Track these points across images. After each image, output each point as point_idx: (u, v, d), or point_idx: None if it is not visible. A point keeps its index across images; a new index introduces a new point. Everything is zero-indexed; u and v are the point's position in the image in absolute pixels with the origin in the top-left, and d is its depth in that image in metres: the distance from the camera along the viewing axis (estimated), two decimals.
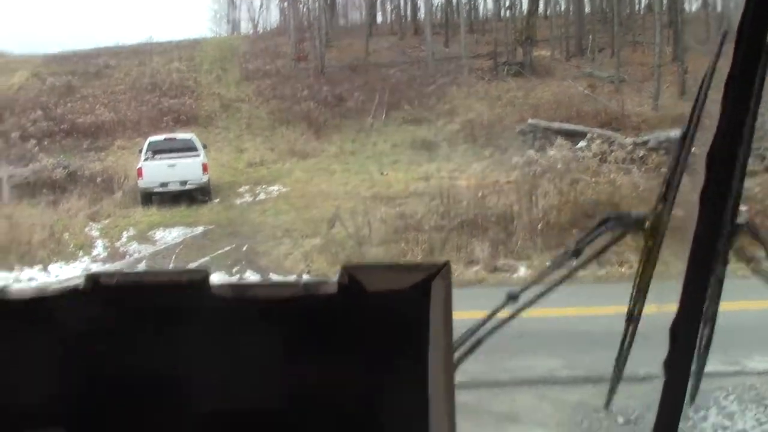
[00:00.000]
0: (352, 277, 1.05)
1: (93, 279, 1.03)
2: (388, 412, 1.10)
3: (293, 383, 1.10)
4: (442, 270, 1.07)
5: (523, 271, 10.09)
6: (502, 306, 1.45)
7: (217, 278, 1.07)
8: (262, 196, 15.77)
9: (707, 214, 1.08)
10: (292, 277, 1.08)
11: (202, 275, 1.04)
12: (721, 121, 1.01)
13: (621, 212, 1.40)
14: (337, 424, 1.10)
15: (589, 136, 15.73)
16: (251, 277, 9.50)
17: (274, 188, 16.26)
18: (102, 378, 1.07)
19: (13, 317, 1.03)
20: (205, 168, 15.59)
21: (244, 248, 11.64)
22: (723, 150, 1.04)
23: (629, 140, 15.16)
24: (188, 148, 16.03)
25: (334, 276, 1.07)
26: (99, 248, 12.09)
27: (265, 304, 1.06)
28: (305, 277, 1.22)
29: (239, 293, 1.05)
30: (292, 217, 13.48)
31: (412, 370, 1.07)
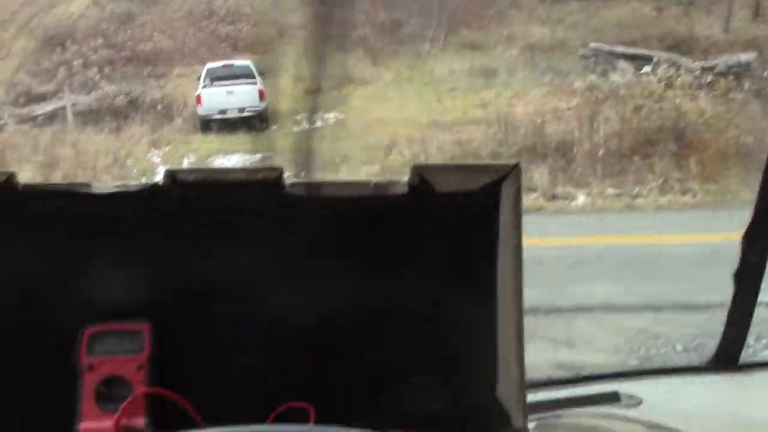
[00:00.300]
0: (422, 178, 1.04)
1: (171, 176, 1.05)
2: (455, 316, 1.10)
3: (360, 284, 1.10)
4: (512, 171, 1.05)
5: (582, 200, 9.95)
6: None
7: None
8: (318, 124, 15.76)
9: None
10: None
11: (277, 173, 1.05)
12: None
13: None
14: (404, 329, 1.11)
15: (654, 60, 15.15)
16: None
17: (331, 115, 16.21)
18: (180, 273, 1.09)
19: (96, 212, 1.05)
20: (262, 95, 15.62)
21: (302, 174, 11.73)
22: None
23: (697, 64, 14.55)
24: (246, 74, 16.03)
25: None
26: (152, 180, 12.30)
27: (336, 203, 1.06)
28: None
29: (311, 191, 1.05)
30: (349, 144, 13.47)
31: (480, 272, 1.07)
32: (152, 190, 1.06)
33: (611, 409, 1.01)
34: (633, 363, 4.65)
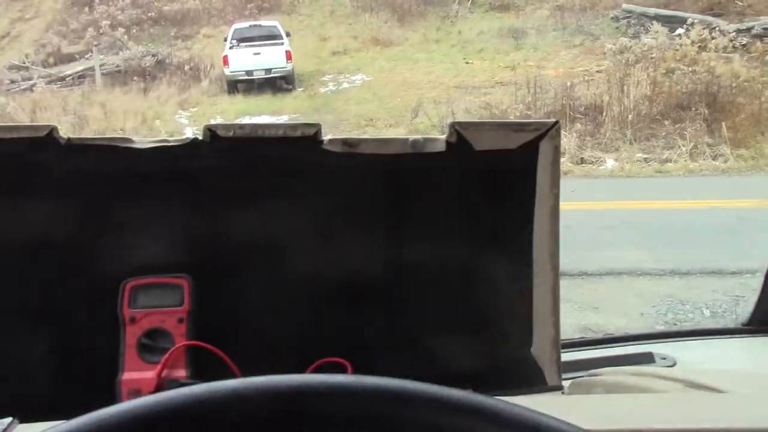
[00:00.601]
0: (460, 135, 1.03)
1: (211, 131, 1.05)
2: (491, 274, 1.10)
3: (397, 241, 1.11)
4: (551, 130, 1.04)
5: (610, 164, 9.84)
6: None
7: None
8: (345, 85, 15.68)
9: None
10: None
11: (315, 129, 1.05)
12: None
13: None
14: (440, 286, 1.11)
15: (688, 22, 14.82)
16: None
17: (358, 77, 16.12)
18: (221, 228, 1.11)
19: (137, 166, 1.06)
20: (289, 56, 15.54)
21: (328, 137, 11.71)
22: None
23: (732, 26, 14.21)
24: (272, 36, 15.95)
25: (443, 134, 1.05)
26: (189, 135, 12.38)
27: (374, 160, 1.06)
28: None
29: (349, 147, 1.05)
30: (376, 107, 13.41)
31: (517, 231, 1.07)
32: (192, 145, 1.07)
33: (652, 369, 1.01)
34: (660, 328, 4.64)
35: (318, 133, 1.07)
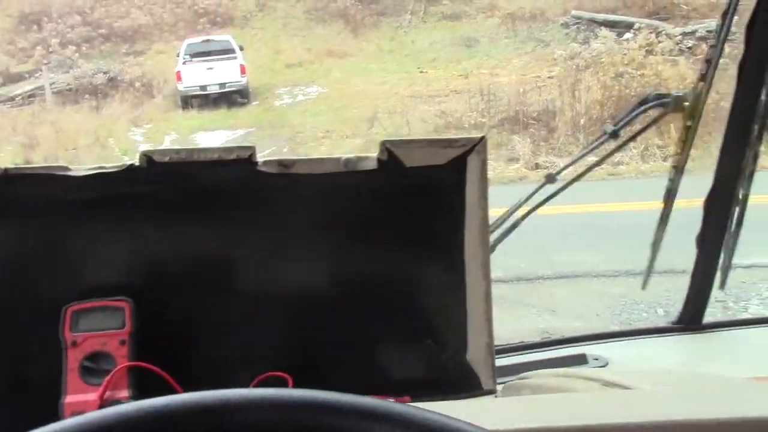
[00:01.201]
0: (390, 153, 1.08)
1: (147, 156, 1.07)
2: (426, 285, 1.14)
3: (333, 257, 1.14)
4: (477, 145, 1.09)
5: None
6: (540, 187, 1.47)
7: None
8: (300, 98, 15.69)
9: (744, 86, 1.07)
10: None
11: (250, 151, 1.08)
12: None
13: (661, 92, 1.38)
14: (377, 299, 1.15)
15: (635, 26, 15.17)
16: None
17: (313, 89, 16.13)
18: (159, 251, 1.13)
19: (75, 193, 1.08)
20: (243, 70, 15.50)
21: (285, 150, 11.70)
22: (762, 21, 1.01)
23: (678, 30, 14.58)
24: (225, 50, 15.90)
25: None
26: (126, 161, 12.23)
27: (307, 178, 1.09)
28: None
29: (284, 167, 1.09)
30: (332, 118, 13.43)
31: (449, 243, 1.11)
32: (129, 171, 1.09)
33: (577, 370, 1.06)
34: (615, 328, 4.73)
35: (253, 155, 1.10)
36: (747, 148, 1.18)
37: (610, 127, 1.46)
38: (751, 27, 1.06)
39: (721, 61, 1.30)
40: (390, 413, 0.53)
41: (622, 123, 1.46)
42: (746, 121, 1.13)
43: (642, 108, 1.44)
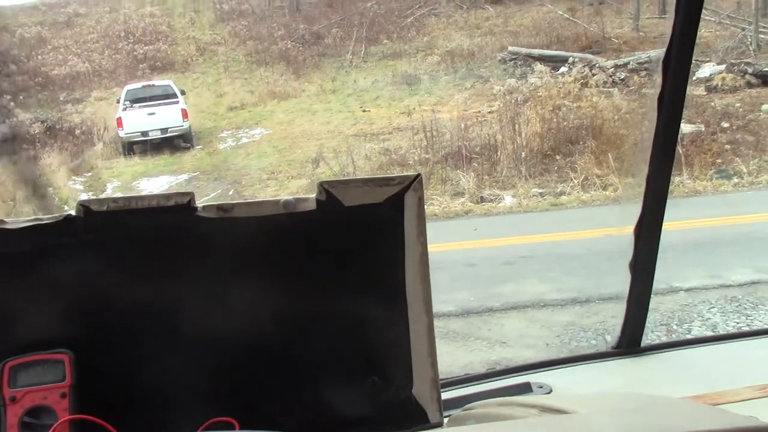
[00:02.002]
0: (329, 193, 1.09)
1: (84, 206, 1.07)
2: (369, 322, 1.15)
3: (277, 298, 1.14)
4: (414, 182, 1.11)
5: (509, 200, 10.15)
6: None
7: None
8: (244, 140, 15.65)
9: (663, 117, 1.12)
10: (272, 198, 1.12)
11: (188, 197, 1.08)
12: (673, 30, 1.05)
13: None
14: (321, 338, 1.15)
15: (569, 60, 15.63)
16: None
17: (257, 131, 16.12)
18: (99, 301, 1.11)
19: (12, 246, 1.06)
20: (185, 114, 15.42)
21: (230, 193, 11.63)
22: (677, 57, 1.07)
23: (610, 63, 15.08)
24: (167, 95, 15.80)
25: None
26: (64, 211, 12.00)
27: (248, 222, 1.10)
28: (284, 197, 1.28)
29: (224, 212, 1.09)
30: (277, 159, 13.43)
31: (389, 279, 1.12)
32: (66, 221, 1.08)
33: (519, 398, 1.08)
34: (564, 356, 4.79)
35: (192, 200, 1.10)
36: (670, 173, 1.24)
37: None
38: (667, 59, 1.12)
39: (653, 91, 1.36)
40: None
41: None
42: (668, 149, 1.19)
43: None
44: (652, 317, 5.05)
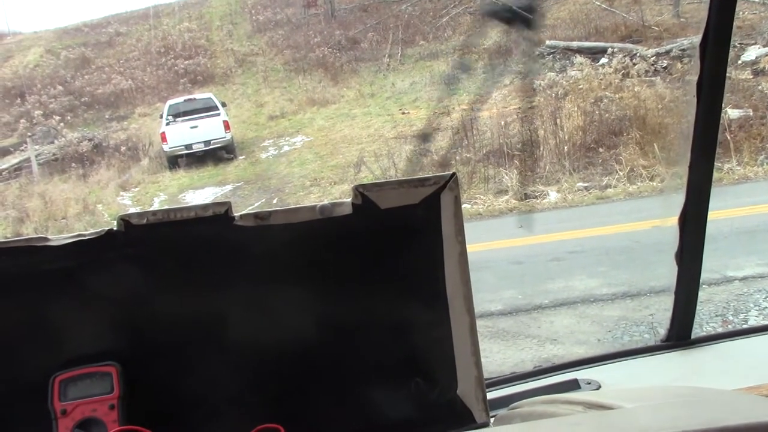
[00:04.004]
0: (365, 197, 1.09)
1: (125, 221, 1.09)
2: (411, 323, 1.14)
3: (317, 304, 1.15)
4: (449, 182, 1.10)
5: (553, 196, 10.04)
6: None
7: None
8: (286, 148, 15.79)
9: (704, 102, 1.09)
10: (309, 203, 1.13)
11: (225, 206, 1.10)
12: (709, 12, 1.02)
13: None
14: (364, 342, 1.15)
15: (609, 51, 15.40)
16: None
17: (298, 139, 16.25)
18: (143, 313, 1.13)
19: (56, 262, 1.09)
20: (227, 126, 15.62)
21: (275, 201, 11.74)
22: (714, 40, 1.04)
23: (651, 51, 14.80)
24: (208, 107, 16.03)
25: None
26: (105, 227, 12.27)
27: (285, 229, 1.10)
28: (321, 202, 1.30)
29: (261, 220, 1.10)
30: (319, 166, 13.51)
31: (429, 280, 1.12)
32: (107, 236, 1.10)
33: (565, 396, 1.06)
34: (612, 351, 4.71)
35: (229, 210, 1.11)
36: (713, 158, 1.20)
37: None
38: (704, 44, 1.09)
39: (696, 77, 1.33)
40: None
41: None
42: (710, 135, 1.16)
43: None
44: (706, 309, 4.96)
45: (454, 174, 1.13)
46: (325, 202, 1.12)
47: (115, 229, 1.11)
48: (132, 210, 12.41)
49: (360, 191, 1.11)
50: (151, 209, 1.12)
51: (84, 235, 1.10)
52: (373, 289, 1.14)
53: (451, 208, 1.11)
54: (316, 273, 1.14)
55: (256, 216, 1.12)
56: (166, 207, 1.15)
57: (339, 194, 11.28)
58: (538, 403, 0.95)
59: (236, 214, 1.12)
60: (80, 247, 1.10)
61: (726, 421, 0.64)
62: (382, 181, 1.15)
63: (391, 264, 1.14)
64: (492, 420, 1.10)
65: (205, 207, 1.11)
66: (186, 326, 1.14)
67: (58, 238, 1.10)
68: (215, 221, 1.11)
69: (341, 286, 1.14)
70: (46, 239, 1.10)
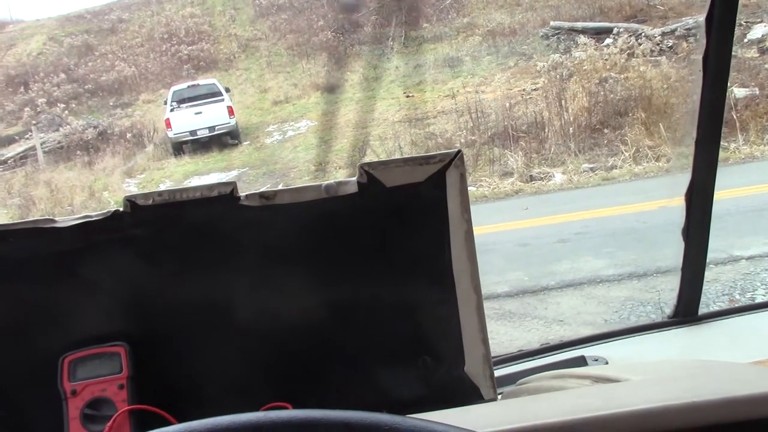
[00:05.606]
0: (370, 175, 1.09)
1: (131, 202, 1.09)
2: (418, 302, 1.14)
3: (324, 282, 1.15)
4: (455, 159, 1.10)
5: (559, 177, 10.01)
6: None
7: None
8: (290, 133, 15.77)
9: (710, 78, 1.08)
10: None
11: (230, 187, 1.10)
12: None
13: None
14: (372, 320, 1.15)
15: (614, 31, 15.29)
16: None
17: (302, 124, 16.23)
18: (150, 293, 1.14)
19: (63, 244, 1.09)
20: (231, 111, 15.61)
21: (280, 186, 11.73)
22: (720, 14, 1.03)
23: (656, 31, 14.70)
24: (212, 93, 16.02)
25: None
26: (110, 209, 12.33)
27: (291, 208, 1.11)
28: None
29: (266, 200, 1.10)
30: (323, 150, 13.50)
31: (435, 258, 1.12)
32: (114, 217, 1.11)
33: (573, 370, 1.06)
34: (619, 328, 4.71)
35: (234, 190, 1.11)
36: (720, 134, 1.20)
37: None
38: (709, 21, 1.08)
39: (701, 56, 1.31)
40: (379, 423, 0.53)
41: None
42: (716, 111, 1.15)
43: None
44: (713, 288, 4.96)
45: (459, 151, 1.12)
46: (331, 181, 1.12)
47: (121, 210, 1.11)
48: None
49: (365, 169, 1.11)
50: (156, 190, 1.12)
51: (90, 217, 1.11)
52: (380, 267, 1.14)
53: (456, 186, 1.11)
54: (322, 252, 1.15)
55: (262, 195, 1.12)
56: (171, 188, 1.15)
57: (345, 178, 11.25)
58: (545, 378, 0.96)
59: (242, 194, 1.12)
60: (87, 229, 1.10)
61: (733, 392, 0.64)
62: (387, 159, 1.14)
63: (397, 242, 1.14)
64: (500, 396, 1.10)
65: (210, 187, 1.11)
66: (193, 306, 1.15)
67: (64, 219, 1.11)
68: (221, 201, 1.11)
69: (347, 264, 1.15)
70: (52, 221, 1.10)
